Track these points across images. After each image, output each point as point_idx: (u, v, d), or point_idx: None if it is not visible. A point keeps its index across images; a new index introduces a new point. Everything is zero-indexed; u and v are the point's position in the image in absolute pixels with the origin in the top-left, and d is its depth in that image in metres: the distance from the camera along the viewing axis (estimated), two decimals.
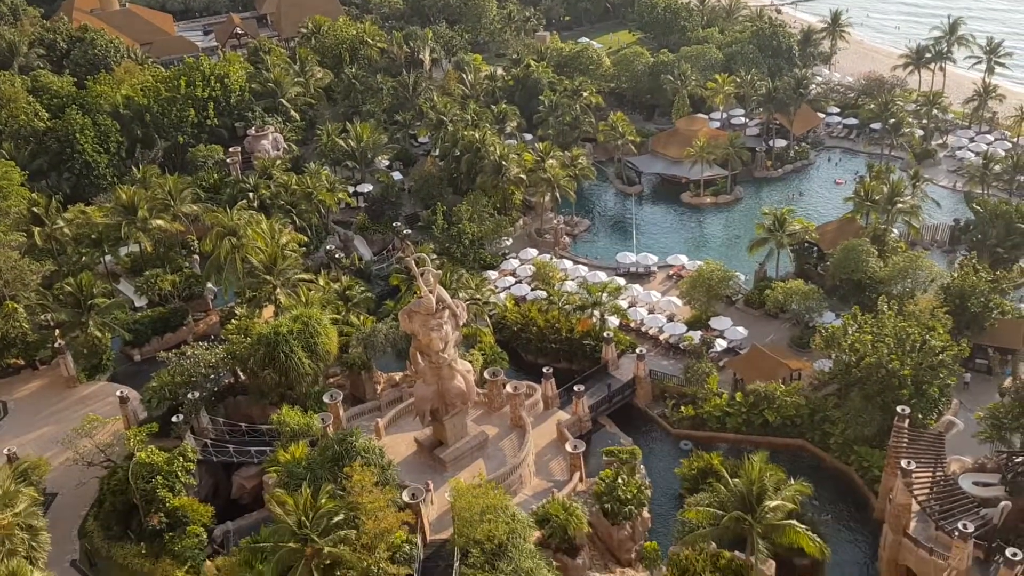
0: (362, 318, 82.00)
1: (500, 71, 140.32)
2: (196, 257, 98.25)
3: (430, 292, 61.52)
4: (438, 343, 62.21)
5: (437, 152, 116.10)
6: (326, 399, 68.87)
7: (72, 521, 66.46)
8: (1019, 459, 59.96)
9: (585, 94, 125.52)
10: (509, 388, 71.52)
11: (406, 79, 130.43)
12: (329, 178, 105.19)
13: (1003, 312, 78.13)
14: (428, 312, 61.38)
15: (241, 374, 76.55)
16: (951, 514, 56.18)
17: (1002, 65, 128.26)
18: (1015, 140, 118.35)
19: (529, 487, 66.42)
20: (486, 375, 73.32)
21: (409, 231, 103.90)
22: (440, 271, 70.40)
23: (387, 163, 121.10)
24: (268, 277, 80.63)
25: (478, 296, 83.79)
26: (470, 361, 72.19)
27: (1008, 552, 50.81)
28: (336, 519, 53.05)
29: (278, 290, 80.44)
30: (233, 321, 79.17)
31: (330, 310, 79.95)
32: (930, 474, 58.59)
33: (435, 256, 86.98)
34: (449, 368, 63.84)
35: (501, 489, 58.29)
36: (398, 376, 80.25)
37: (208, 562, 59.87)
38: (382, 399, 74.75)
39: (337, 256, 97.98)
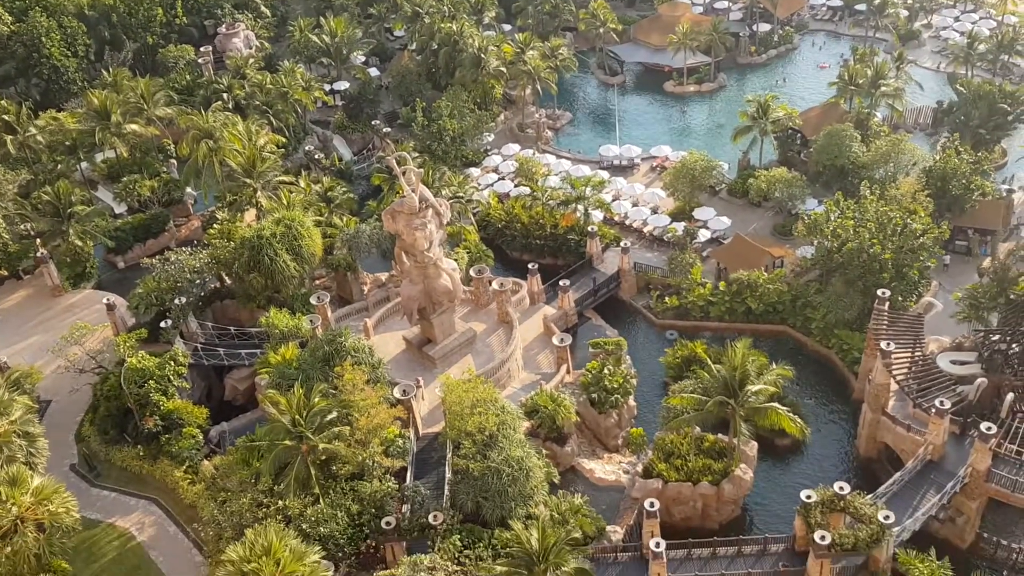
0: (345, 219, 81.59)
1: None
2: (173, 162, 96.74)
3: (412, 191, 61.16)
4: (423, 242, 62.23)
5: (414, 46, 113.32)
6: (313, 301, 69.19)
7: (68, 427, 67.52)
8: (995, 337, 61.37)
9: None
10: (495, 285, 72.00)
11: None
12: (304, 76, 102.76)
13: (984, 193, 78.63)
14: (411, 211, 61.15)
15: (227, 278, 76.52)
16: (928, 392, 57.78)
17: None
18: (1000, 18, 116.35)
19: (517, 380, 67.68)
20: (472, 273, 73.65)
21: (389, 129, 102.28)
22: (422, 169, 69.90)
23: (363, 59, 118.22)
24: (248, 180, 79.67)
25: (461, 194, 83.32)
26: (455, 260, 72.41)
27: (983, 426, 52.53)
28: (329, 417, 54.16)
29: (259, 193, 79.64)
30: (215, 226, 78.70)
31: (312, 212, 79.40)
32: (909, 354, 59.93)
33: (416, 154, 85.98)
34: (435, 267, 64.08)
35: (490, 383, 59.42)
36: (384, 276, 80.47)
37: (205, 461, 61.25)
38: (369, 299, 75.16)
39: (317, 157, 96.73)
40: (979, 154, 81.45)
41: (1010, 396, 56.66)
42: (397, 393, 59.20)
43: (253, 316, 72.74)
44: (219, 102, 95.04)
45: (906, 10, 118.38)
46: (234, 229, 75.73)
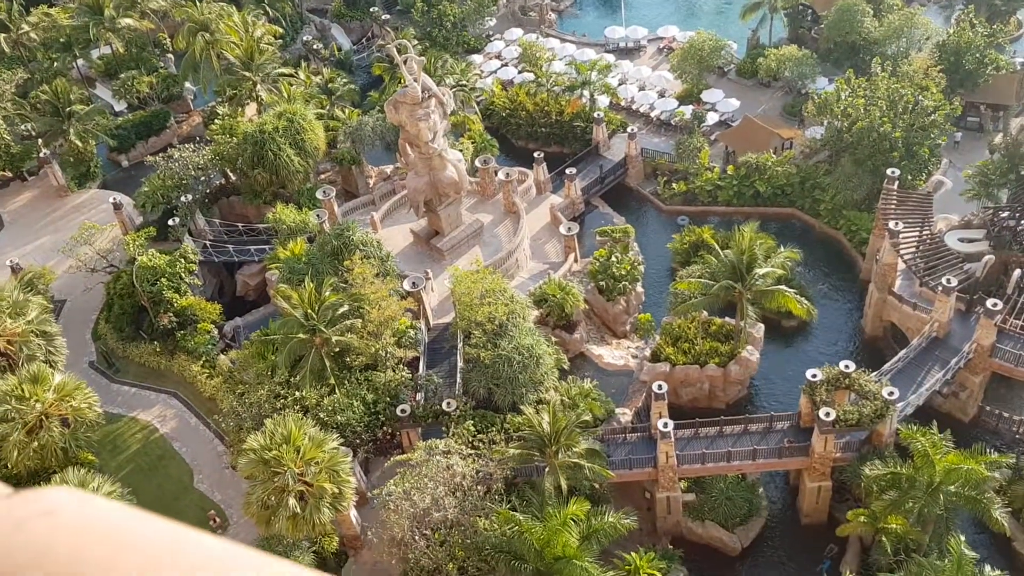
0: (347, 111, 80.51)
1: None
2: (170, 56, 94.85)
3: (415, 80, 60.07)
4: (426, 133, 61.52)
5: None
6: (319, 195, 69.01)
7: (84, 325, 68.69)
8: (1004, 214, 61.12)
9: None
10: (501, 175, 71.53)
11: None
12: None
13: (998, 68, 76.70)
14: (414, 101, 60.22)
15: (231, 175, 76.23)
16: (935, 270, 58.03)
17: None
18: None
19: (526, 270, 68.06)
20: (477, 163, 73.06)
21: (388, 16, 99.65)
22: (423, 58, 68.33)
23: None
24: (247, 73, 78.28)
25: (464, 82, 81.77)
26: (460, 150, 71.56)
27: (989, 303, 52.92)
28: (341, 310, 54.82)
29: (258, 86, 78.37)
30: (216, 121, 77.76)
31: (314, 104, 78.28)
32: (917, 233, 59.90)
33: (417, 42, 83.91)
34: (440, 158, 63.51)
35: (499, 273, 59.78)
36: (389, 169, 79.93)
37: (222, 356, 62.45)
38: (375, 193, 74.93)
39: (315, 47, 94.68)
40: (994, 26, 78.97)
41: (1017, 272, 56.85)
42: (407, 285, 59.69)
43: (260, 212, 72.75)
44: None
45: None
46: (236, 124, 74.84)
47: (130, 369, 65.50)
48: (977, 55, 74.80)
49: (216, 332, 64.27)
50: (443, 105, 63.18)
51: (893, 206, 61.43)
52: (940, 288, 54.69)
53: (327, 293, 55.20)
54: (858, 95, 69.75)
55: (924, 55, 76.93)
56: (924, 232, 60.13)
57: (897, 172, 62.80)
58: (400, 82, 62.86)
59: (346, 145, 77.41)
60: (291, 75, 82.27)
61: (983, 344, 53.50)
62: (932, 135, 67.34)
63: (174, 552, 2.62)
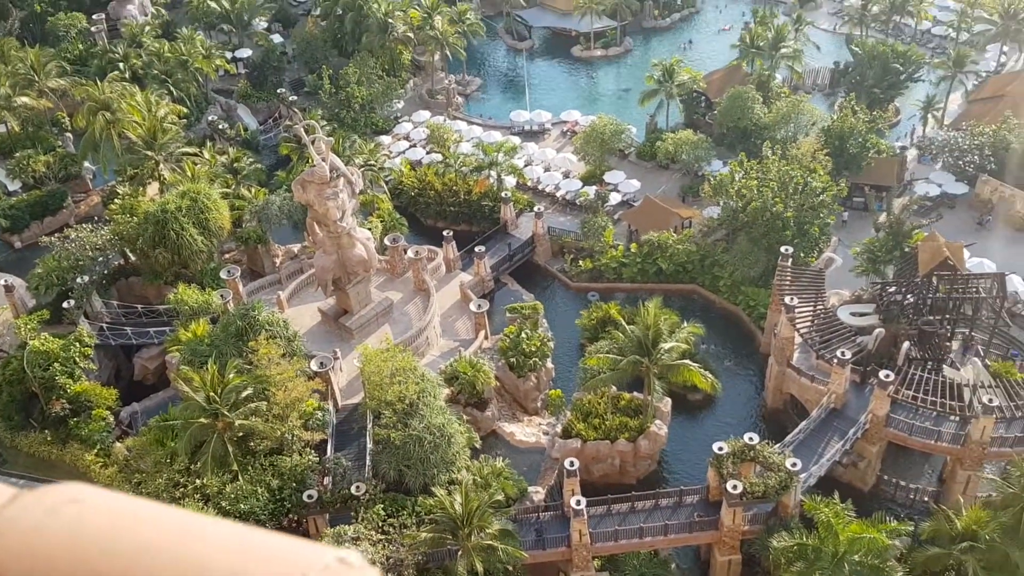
0: (254, 190, 79.84)
1: None
2: (69, 135, 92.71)
3: (322, 160, 60.22)
4: (335, 212, 61.44)
5: (318, 12, 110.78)
6: (223, 275, 67.79)
7: None
8: (891, 289, 64.32)
9: None
10: (411, 253, 71.78)
11: None
12: (204, 44, 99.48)
13: (879, 151, 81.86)
14: (322, 181, 60.25)
15: (131, 255, 74.25)
16: (830, 343, 60.33)
17: None
18: None
19: (436, 348, 67.89)
20: (386, 241, 73.22)
21: (295, 97, 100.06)
22: (331, 138, 68.74)
23: (265, 25, 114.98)
24: (149, 152, 77.08)
25: (372, 162, 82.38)
26: (369, 228, 71.71)
27: (882, 374, 55.23)
28: (245, 393, 53.39)
29: (161, 165, 77.19)
30: (116, 201, 75.94)
31: (219, 184, 77.37)
32: (811, 308, 62.39)
33: (324, 122, 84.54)
34: (348, 237, 63.38)
35: (409, 351, 59.37)
36: (296, 248, 79.28)
37: (118, 444, 59.77)
38: (282, 272, 74.01)
39: (221, 127, 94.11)
40: (874, 113, 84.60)
41: (906, 344, 59.60)
42: (314, 366, 58.69)
43: (161, 293, 70.86)
44: (115, 72, 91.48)
45: None
46: (136, 204, 73.21)
47: (18, 460, 61.90)
48: (860, 139, 79.70)
49: (112, 419, 61.59)
50: (352, 184, 63.38)
51: (788, 282, 64.03)
52: (835, 361, 56.91)
53: (231, 375, 53.75)
54: (751, 177, 73.19)
55: (811, 139, 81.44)
56: (818, 307, 62.69)
57: (790, 250, 65.70)
58: (308, 162, 62.95)
59: (252, 224, 76.60)
60: (195, 154, 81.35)
61: (878, 414, 55.62)
62: (821, 214, 70.94)
63: (197, 526, 2.88)
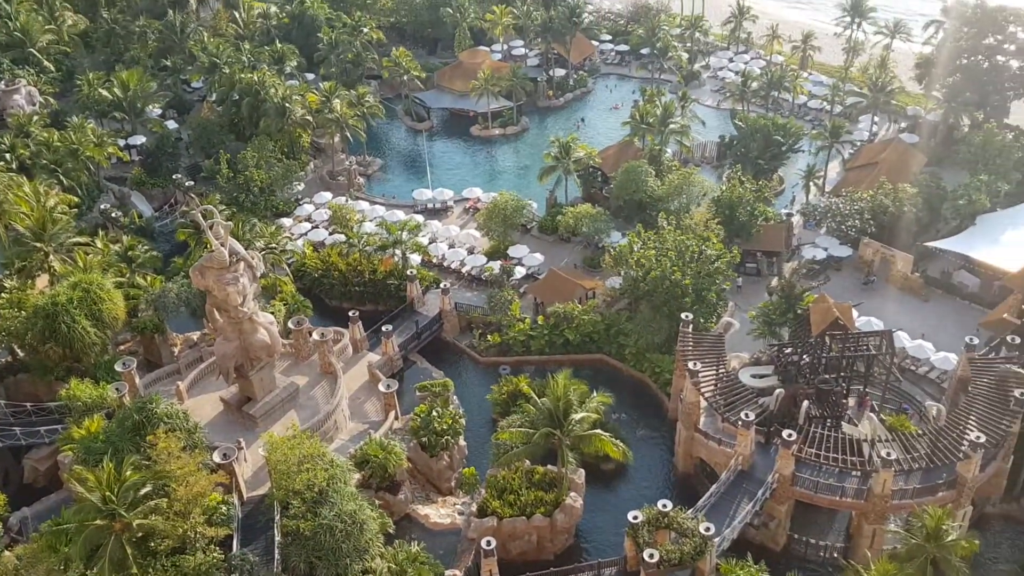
0: (149, 279, 77.68)
1: (274, 8, 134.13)
2: None
3: (221, 245, 59.29)
4: (235, 297, 60.29)
5: (214, 97, 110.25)
6: (119, 368, 65.35)
7: None
8: (787, 350, 66.65)
9: (366, 30, 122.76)
10: (316, 335, 70.74)
11: (172, 21, 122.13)
12: (96, 132, 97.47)
13: (767, 219, 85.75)
14: (221, 266, 59.21)
15: (19, 351, 70.85)
16: (734, 406, 61.76)
17: None
18: (768, 58, 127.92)
19: (345, 431, 66.56)
20: (290, 325, 72.05)
21: (192, 183, 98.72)
22: (230, 222, 67.77)
23: (159, 112, 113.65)
24: (38, 244, 74.34)
25: (274, 245, 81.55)
26: (272, 312, 70.57)
27: (784, 434, 56.78)
28: (144, 490, 51.03)
29: (51, 257, 74.46)
30: (3, 295, 72.63)
31: (113, 273, 75.11)
32: (714, 372, 63.99)
33: (223, 207, 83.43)
34: (250, 322, 62.17)
35: (316, 437, 58.11)
36: (196, 336, 77.16)
37: (7, 552, 55.91)
38: (180, 361, 71.74)
39: (114, 215, 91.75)
40: (760, 183, 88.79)
41: (805, 403, 61.55)
42: (217, 458, 56.68)
43: (52, 389, 67.64)
44: (1, 163, 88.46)
45: (686, 53, 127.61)
46: (25, 297, 70.23)
47: None
48: (748, 208, 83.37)
49: (0, 525, 57.71)
50: (252, 268, 62.44)
51: (690, 347, 65.68)
52: (740, 423, 58.30)
53: (128, 472, 51.39)
54: (649, 247, 75.48)
55: (703, 209, 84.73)
56: (720, 371, 64.36)
57: (690, 316, 67.63)
58: (206, 247, 61.76)
59: (148, 313, 74.40)
60: (88, 244, 78.95)
61: (784, 474, 56.99)
62: (717, 281, 73.46)
63: None
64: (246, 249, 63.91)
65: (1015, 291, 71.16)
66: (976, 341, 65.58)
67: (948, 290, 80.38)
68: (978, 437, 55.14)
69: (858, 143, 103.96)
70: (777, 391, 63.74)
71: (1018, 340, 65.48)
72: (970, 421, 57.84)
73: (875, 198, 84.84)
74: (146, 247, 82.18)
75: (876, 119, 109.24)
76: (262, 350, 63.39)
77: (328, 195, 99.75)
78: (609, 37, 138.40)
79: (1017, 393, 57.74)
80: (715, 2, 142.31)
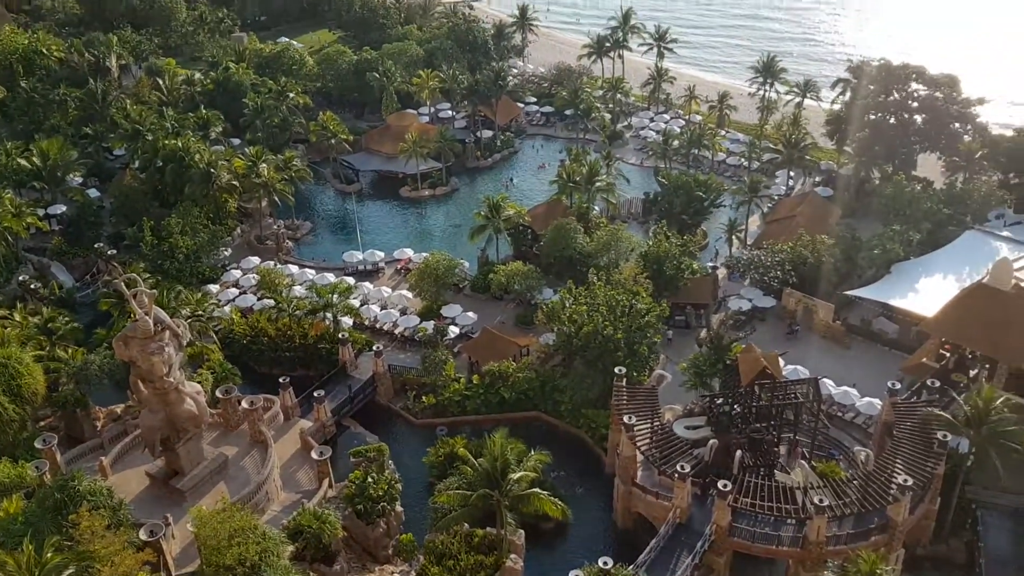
0: (71, 351, 75.28)
1: (198, 75, 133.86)
2: None
3: (145, 314, 57.97)
4: (161, 367, 58.78)
5: (136, 164, 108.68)
6: (38, 445, 62.75)
7: None
8: (719, 401, 67.69)
9: (291, 95, 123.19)
10: (245, 404, 69.20)
11: (93, 89, 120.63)
12: (13, 202, 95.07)
13: (693, 272, 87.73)
14: (146, 335, 57.79)
15: None
16: (670, 458, 62.24)
17: (670, 51, 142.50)
18: (688, 118, 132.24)
19: (277, 502, 64.84)
20: (218, 394, 70.38)
21: (114, 251, 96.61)
22: (155, 290, 66.34)
23: (80, 180, 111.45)
24: None
25: (200, 312, 79.89)
26: (199, 381, 68.99)
27: (720, 484, 57.34)
28: (67, 573, 48.71)
29: None
30: None
31: (32, 346, 72.69)
32: (649, 425, 64.51)
33: (147, 275, 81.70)
34: (176, 392, 60.56)
35: (247, 509, 56.54)
36: (119, 408, 74.67)
37: None
38: (104, 436, 69.25)
39: (33, 287, 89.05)
40: (685, 238, 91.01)
41: (739, 453, 62.40)
42: (143, 535, 54.48)
43: None
44: None
45: (609, 113, 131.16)
46: None
47: None
48: (675, 262, 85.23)
49: None
50: (178, 337, 61.09)
51: (625, 401, 66.21)
52: (676, 475, 58.70)
53: (49, 555, 49.03)
54: (580, 303, 76.37)
55: (631, 264, 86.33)
56: (655, 423, 64.94)
57: (624, 370, 68.32)
58: (130, 317, 60.27)
59: (69, 387, 71.91)
60: (5, 317, 76.45)
61: (721, 524, 57.39)
62: (648, 334, 74.51)
63: None
64: (171, 317, 62.62)
65: (932, 336, 73.86)
66: (898, 386, 67.69)
67: (869, 337, 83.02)
68: (905, 480, 56.55)
69: (776, 197, 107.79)
70: (711, 442, 64.52)
71: (938, 383, 67.87)
72: (897, 465, 59.33)
73: (795, 249, 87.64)
74: (67, 318, 79.98)
75: (792, 174, 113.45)
76: (189, 421, 61.71)
77: (256, 260, 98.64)
78: (534, 99, 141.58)
79: (940, 435, 59.59)
80: (634, 65, 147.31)
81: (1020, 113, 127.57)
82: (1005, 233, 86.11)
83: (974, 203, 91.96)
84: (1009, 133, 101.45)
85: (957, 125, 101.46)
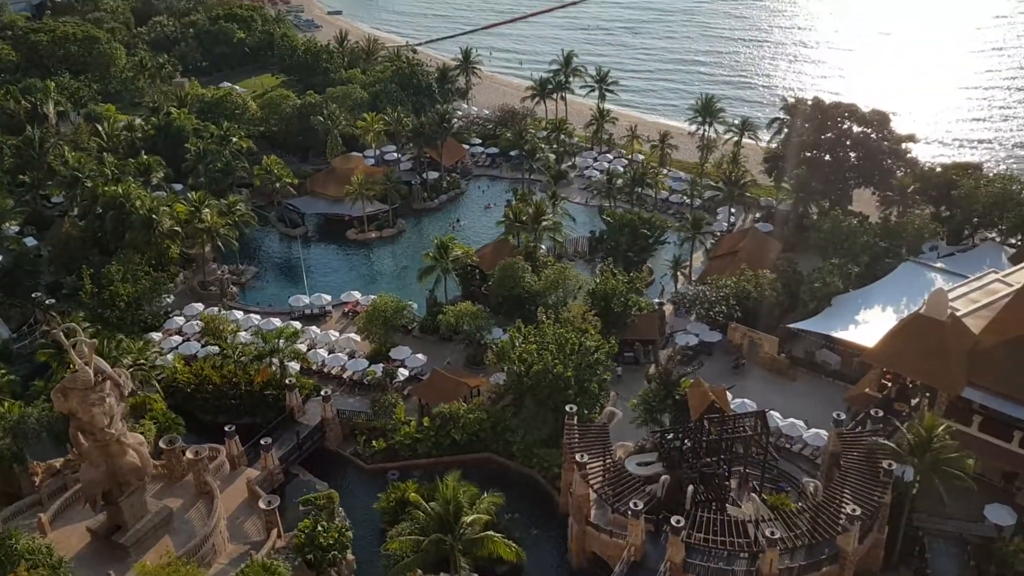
0: (7, 404, 72.88)
1: (139, 121, 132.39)
2: None
3: (85, 364, 56.59)
4: (102, 419, 57.30)
5: (76, 211, 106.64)
6: None
7: None
8: (670, 436, 68.09)
9: (234, 139, 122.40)
10: (190, 454, 67.58)
11: (30, 135, 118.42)
12: None
13: (640, 308, 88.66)
14: (86, 386, 56.36)
15: None
16: (623, 496, 62.28)
17: (611, 92, 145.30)
18: (630, 157, 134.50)
19: (225, 555, 63.18)
20: (162, 444, 68.67)
21: (53, 301, 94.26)
22: (95, 340, 64.78)
23: (17, 229, 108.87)
24: None
25: (143, 360, 78.21)
26: (142, 432, 67.30)
27: (672, 520, 57.46)
28: None
29: None
30: None
31: None
32: (601, 463, 64.53)
33: (87, 324, 79.65)
34: (118, 444, 59.03)
35: (193, 564, 55.23)
36: (59, 463, 72.22)
37: None
38: (42, 492, 66.94)
39: None
40: (631, 274, 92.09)
41: (690, 488, 62.71)
42: None
43: None
44: None
45: (553, 154, 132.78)
46: None
47: None
48: (622, 299, 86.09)
49: None
50: (119, 387, 59.71)
51: (576, 439, 66.19)
52: (630, 513, 58.69)
53: None
54: (530, 342, 76.54)
55: (579, 302, 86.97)
56: (607, 461, 64.98)
57: (574, 408, 68.43)
58: (69, 367, 58.75)
59: (6, 441, 69.51)
60: None
61: (675, 561, 57.35)
62: (598, 371, 74.91)
63: None
64: (112, 367, 61.18)
65: (873, 366, 75.51)
66: (843, 416, 68.91)
67: (812, 368, 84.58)
68: (854, 510, 57.35)
69: (718, 233, 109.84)
70: (663, 478, 64.71)
71: (881, 413, 69.25)
72: (845, 495, 60.17)
73: (738, 284, 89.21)
74: (3, 370, 77.87)
75: (733, 210, 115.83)
76: (132, 474, 60.08)
77: (200, 306, 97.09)
78: (479, 140, 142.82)
79: (885, 464, 60.68)
80: (577, 106, 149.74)
81: (948, 150, 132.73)
82: (939, 264, 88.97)
83: (908, 236, 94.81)
84: (938, 168, 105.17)
85: (890, 161, 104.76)
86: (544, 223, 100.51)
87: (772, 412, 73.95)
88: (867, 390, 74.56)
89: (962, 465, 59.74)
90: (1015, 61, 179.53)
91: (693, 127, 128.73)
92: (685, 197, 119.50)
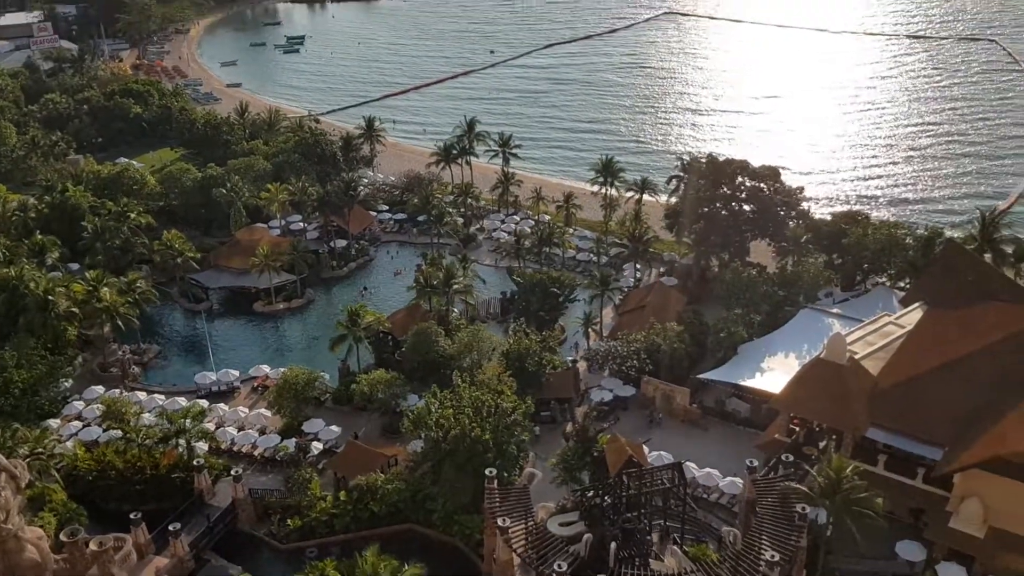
0: None
1: (32, 200, 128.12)
2: None
3: None
4: None
5: None
6: None
7: None
8: (590, 493, 68.26)
9: (132, 215, 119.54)
10: (93, 545, 64.15)
11: None
12: None
13: (554, 367, 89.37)
14: None
15: None
16: (546, 558, 61.74)
17: (515, 155, 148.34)
18: (536, 218, 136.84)
19: None
20: (63, 537, 64.96)
21: None
22: None
23: None
24: None
25: (40, 449, 74.58)
26: (40, 525, 63.87)
27: None
28: None
29: None
30: None
31: None
32: (523, 525, 64.02)
33: None
34: (16, 539, 55.99)
35: None
36: None
37: None
38: None
39: None
40: (544, 333, 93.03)
41: (613, 545, 62.72)
42: None
43: None
44: None
45: (461, 217, 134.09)
46: None
47: None
48: (536, 358, 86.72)
49: None
50: (16, 479, 57.11)
51: (497, 503, 65.61)
52: (554, 575, 58.22)
53: None
54: (446, 406, 76.09)
55: (494, 363, 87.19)
56: (529, 523, 64.53)
57: (494, 471, 67.98)
58: None
59: None
60: None
61: None
62: (516, 433, 74.86)
63: None
64: (8, 458, 58.22)
65: (781, 412, 77.71)
66: (755, 463, 70.46)
67: (724, 417, 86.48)
68: (772, 556, 58.33)
69: (626, 289, 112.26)
70: (586, 536, 64.60)
71: (791, 457, 71.09)
72: (763, 541, 61.16)
73: (648, 338, 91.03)
74: None
75: (638, 266, 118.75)
76: (31, 570, 56.94)
77: (100, 389, 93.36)
78: (387, 207, 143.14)
79: (799, 508, 62.08)
80: (482, 170, 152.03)
81: (836, 205, 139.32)
82: (835, 310, 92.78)
83: (805, 284, 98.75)
84: (828, 218, 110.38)
85: (783, 212, 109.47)
86: (455, 286, 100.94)
87: (688, 463, 75.02)
88: (776, 436, 76.53)
89: (872, 504, 61.55)
90: (892, 117, 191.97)
91: (595, 187, 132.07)
92: (592, 255, 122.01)
